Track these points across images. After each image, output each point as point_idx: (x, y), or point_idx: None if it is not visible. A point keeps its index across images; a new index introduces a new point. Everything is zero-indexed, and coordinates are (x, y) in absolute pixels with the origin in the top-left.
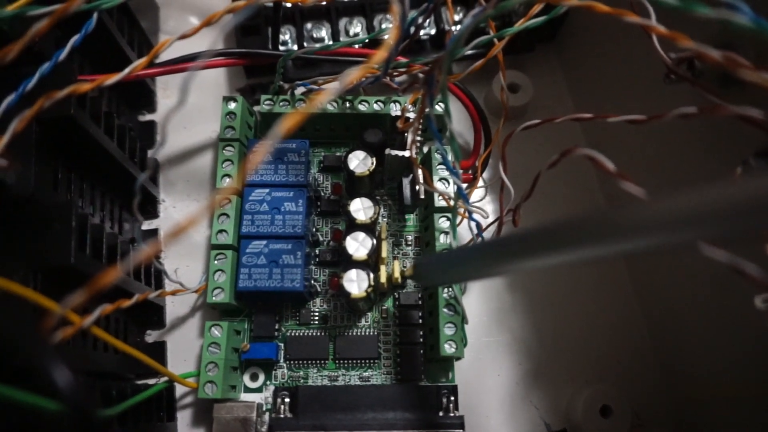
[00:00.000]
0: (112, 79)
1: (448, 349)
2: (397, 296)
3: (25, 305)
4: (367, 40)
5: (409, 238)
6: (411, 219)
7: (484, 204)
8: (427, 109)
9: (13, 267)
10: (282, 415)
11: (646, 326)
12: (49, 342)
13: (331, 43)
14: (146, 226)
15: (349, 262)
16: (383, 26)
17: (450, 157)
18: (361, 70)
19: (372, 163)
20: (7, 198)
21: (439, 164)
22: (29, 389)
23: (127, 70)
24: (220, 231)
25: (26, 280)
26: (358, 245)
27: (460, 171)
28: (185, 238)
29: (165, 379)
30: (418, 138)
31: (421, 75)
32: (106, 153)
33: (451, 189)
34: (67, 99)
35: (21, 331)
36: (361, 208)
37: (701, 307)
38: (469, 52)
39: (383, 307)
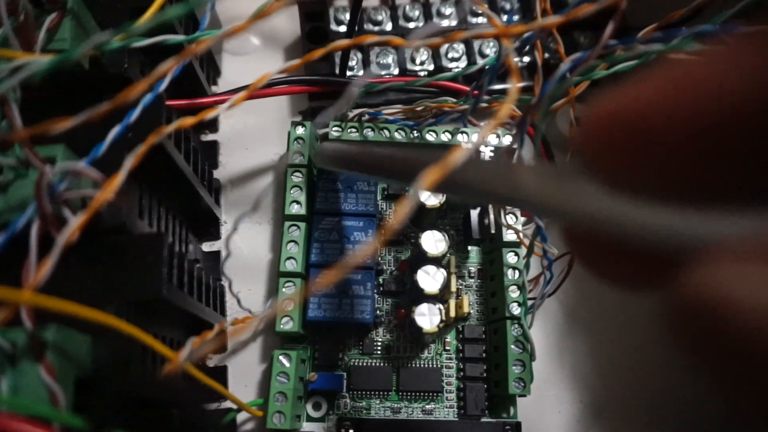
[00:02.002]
0: (213, 113)
1: (516, 387)
2: (460, 329)
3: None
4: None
5: (472, 270)
6: (473, 252)
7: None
8: (515, 147)
9: (106, 298)
10: None
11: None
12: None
13: (396, 72)
14: (207, 247)
15: (419, 296)
16: (449, 55)
17: None
18: (497, 122)
19: (443, 196)
20: (99, 228)
21: None
22: None
23: (228, 103)
24: (289, 258)
25: (119, 311)
26: (430, 279)
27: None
28: (247, 261)
29: (233, 406)
30: None
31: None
32: (184, 177)
33: (520, 224)
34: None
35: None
36: (432, 242)
37: None
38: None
39: (446, 340)
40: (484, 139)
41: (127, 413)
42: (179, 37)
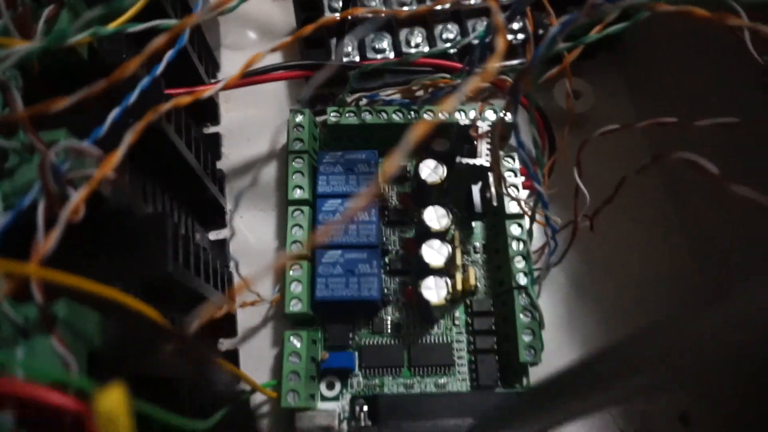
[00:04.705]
0: (209, 91)
1: (527, 356)
2: (469, 303)
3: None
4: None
5: (477, 245)
6: (477, 227)
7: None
8: (509, 118)
9: (113, 278)
10: (362, 423)
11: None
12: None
13: (392, 56)
14: (213, 236)
15: (424, 271)
16: (443, 36)
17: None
18: (481, 78)
19: (443, 172)
20: (104, 210)
21: (508, 171)
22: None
23: (222, 83)
24: (294, 242)
25: (126, 290)
26: (435, 253)
27: (540, 176)
28: (253, 249)
29: (247, 388)
30: (488, 146)
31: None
32: (187, 165)
33: (522, 195)
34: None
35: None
36: (435, 217)
37: None
38: None
39: (455, 315)
40: (465, 95)
41: (137, 390)
42: (172, 21)
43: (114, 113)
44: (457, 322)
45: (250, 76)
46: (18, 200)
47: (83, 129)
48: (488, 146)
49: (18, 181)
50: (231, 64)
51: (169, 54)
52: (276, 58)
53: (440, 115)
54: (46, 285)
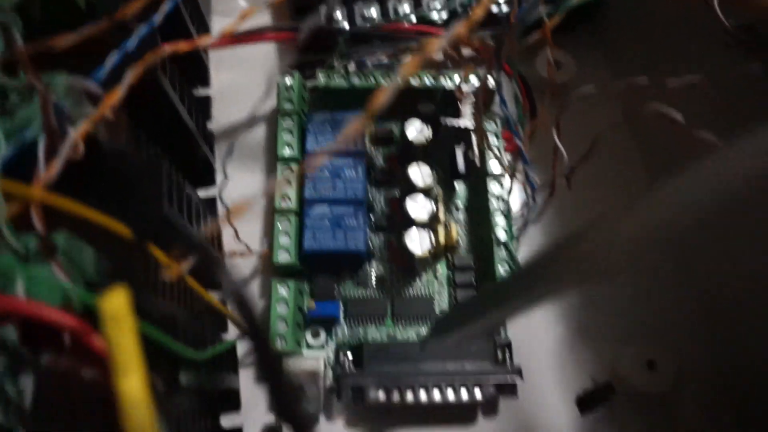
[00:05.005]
0: (208, 40)
1: None
2: (450, 258)
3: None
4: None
5: (459, 205)
6: (461, 189)
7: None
8: (492, 80)
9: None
10: (347, 371)
11: (690, 281)
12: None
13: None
14: (202, 194)
15: (407, 224)
16: (431, 5)
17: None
18: (444, 41)
19: (428, 133)
20: (101, 154)
21: (490, 134)
22: None
23: (218, 34)
24: (283, 196)
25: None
26: (418, 207)
27: (521, 133)
28: (240, 202)
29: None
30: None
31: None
32: (182, 121)
33: (504, 156)
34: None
35: None
36: (419, 174)
37: (745, 260)
38: None
39: (437, 269)
40: (426, 57)
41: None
42: None
43: (114, 57)
44: (438, 277)
45: (241, 36)
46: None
47: (83, 74)
48: (472, 109)
49: (18, 120)
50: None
51: (166, 5)
52: (268, 22)
53: (402, 78)
54: (47, 214)
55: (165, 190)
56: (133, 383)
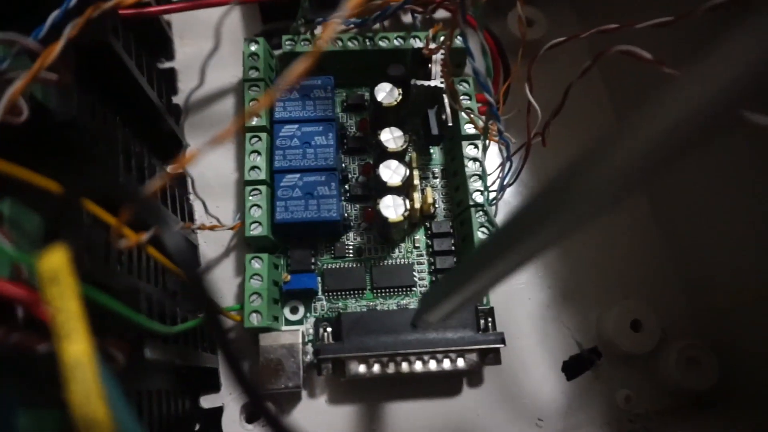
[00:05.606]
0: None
1: None
2: (428, 225)
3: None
4: None
5: (436, 170)
6: (436, 152)
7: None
8: (458, 34)
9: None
10: (326, 342)
11: (666, 242)
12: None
13: None
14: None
15: (382, 190)
16: None
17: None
18: None
19: (399, 94)
20: (49, 122)
21: (462, 95)
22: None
23: None
24: (253, 168)
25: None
26: (391, 173)
27: (491, 86)
28: (214, 178)
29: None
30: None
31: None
32: (141, 90)
33: (479, 118)
34: (103, 27)
35: None
36: (391, 137)
37: (717, 216)
38: None
39: (416, 237)
40: (344, 16)
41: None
42: None
43: (54, 14)
44: (417, 245)
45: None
46: None
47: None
48: (442, 68)
49: None
50: None
51: None
52: None
53: (321, 43)
54: None
55: (121, 158)
56: (75, 346)
